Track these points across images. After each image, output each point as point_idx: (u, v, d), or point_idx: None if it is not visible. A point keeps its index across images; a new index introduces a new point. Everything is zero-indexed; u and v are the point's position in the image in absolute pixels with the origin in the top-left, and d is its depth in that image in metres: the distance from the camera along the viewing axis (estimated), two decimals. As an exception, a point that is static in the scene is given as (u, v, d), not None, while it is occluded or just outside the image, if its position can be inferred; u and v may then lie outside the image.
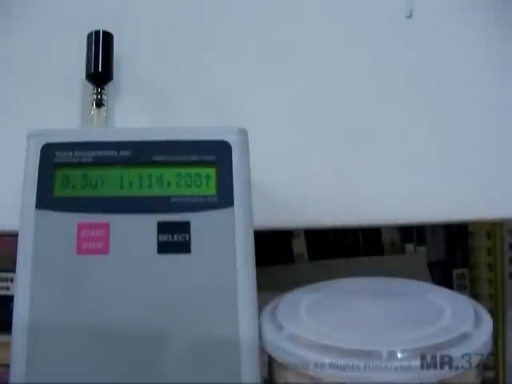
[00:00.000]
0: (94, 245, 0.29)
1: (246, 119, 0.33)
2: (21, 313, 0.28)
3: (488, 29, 0.40)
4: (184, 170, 0.30)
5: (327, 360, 0.27)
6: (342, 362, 0.27)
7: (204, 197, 0.30)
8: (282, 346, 0.29)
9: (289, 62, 0.39)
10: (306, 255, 0.50)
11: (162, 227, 0.29)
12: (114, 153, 0.30)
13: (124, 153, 0.30)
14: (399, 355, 0.27)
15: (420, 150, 0.38)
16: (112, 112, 0.37)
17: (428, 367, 0.27)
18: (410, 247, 0.51)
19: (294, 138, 0.37)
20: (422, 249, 0.51)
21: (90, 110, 0.36)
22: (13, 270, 0.29)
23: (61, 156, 0.30)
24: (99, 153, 0.30)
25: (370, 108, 0.38)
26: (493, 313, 0.49)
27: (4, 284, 0.46)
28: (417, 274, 0.46)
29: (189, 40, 0.39)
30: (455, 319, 0.30)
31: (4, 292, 0.46)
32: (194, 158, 0.30)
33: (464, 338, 0.28)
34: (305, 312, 0.32)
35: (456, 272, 0.52)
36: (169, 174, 0.30)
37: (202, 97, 0.38)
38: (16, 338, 0.28)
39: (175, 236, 0.29)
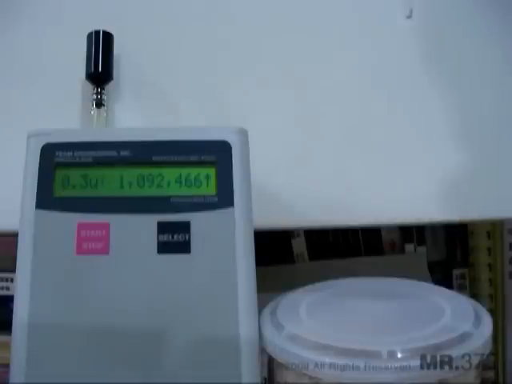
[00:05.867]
0: (93, 245, 0.29)
1: (246, 119, 0.33)
2: (21, 313, 0.28)
3: (489, 28, 0.40)
4: (184, 170, 0.30)
5: (327, 360, 0.27)
6: (341, 361, 0.27)
7: (204, 197, 0.30)
8: (282, 346, 0.29)
9: (289, 62, 0.39)
10: (306, 255, 0.50)
11: (162, 227, 0.29)
12: (114, 153, 0.30)
13: (124, 153, 0.30)
14: (399, 355, 0.27)
15: (420, 150, 0.38)
16: (112, 112, 0.37)
17: (428, 367, 0.27)
18: (410, 247, 0.51)
19: (294, 138, 0.37)
20: (422, 249, 0.51)
21: (90, 110, 0.36)
22: (13, 270, 0.29)
23: (61, 156, 0.30)
24: (99, 153, 0.30)
25: (369, 108, 0.38)
26: (493, 313, 0.49)
27: (4, 284, 0.46)
28: (417, 274, 0.46)
29: (189, 40, 0.39)
30: (455, 319, 0.30)
31: (4, 292, 0.46)
32: (193, 158, 0.30)
33: (464, 337, 0.28)
34: (305, 312, 0.32)
35: (456, 272, 0.52)
36: (169, 173, 0.30)
37: (202, 97, 0.38)
38: (16, 338, 0.28)
39: (175, 236, 0.29)
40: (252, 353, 0.28)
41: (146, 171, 0.30)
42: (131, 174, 0.30)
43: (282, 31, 0.39)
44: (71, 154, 0.30)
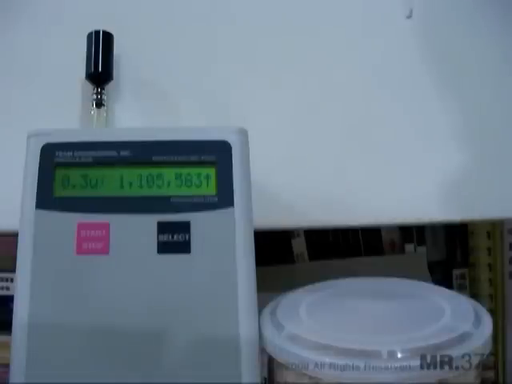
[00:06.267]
0: (93, 245, 0.29)
1: (246, 119, 0.33)
2: (21, 313, 0.28)
3: (489, 28, 0.40)
4: (184, 170, 0.30)
5: (327, 360, 0.27)
6: (341, 361, 0.27)
7: (204, 197, 0.30)
8: (282, 346, 0.29)
9: (289, 62, 0.39)
10: (306, 255, 0.50)
11: (162, 227, 0.29)
12: (114, 153, 0.30)
13: (124, 153, 0.30)
14: (399, 355, 0.27)
15: (420, 150, 0.38)
16: (112, 112, 0.37)
17: (428, 367, 0.27)
18: (410, 247, 0.51)
19: (294, 138, 0.37)
20: (422, 249, 0.51)
21: (90, 110, 0.36)
22: (13, 270, 0.29)
23: (61, 156, 0.30)
24: (99, 153, 0.30)
25: (369, 108, 0.38)
26: (493, 313, 0.49)
27: (4, 284, 0.46)
28: (417, 274, 0.46)
29: (189, 40, 0.39)
30: (455, 319, 0.30)
31: (4, 292, 0.46)
32: (193, 158, 0.30)
33: (464, 337, 0.28)
34: (305, 312, 0.32)
35: (456, 272, 0.52)
36: (169, 173, 0.30)
37: (202, 97, 0.38)
38: (16, 338, 0.28)
39: (175, 236, 0.29)
40: (252, 353, 0.28)
41: (146, 171, 0.30)
42: (131, 173, 0.30)
43: (282, 31, 0.39)
44: (71, 154, 0.30)
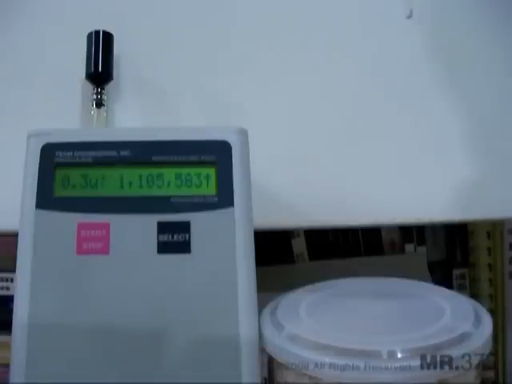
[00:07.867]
0: (93, 245, 0.29)
1: (246, 119, 0.33)
2: (21, 313, 0.28)
3: (489, 28, 0.40)
4: (184, 170, 0.30)
5: (327, 360, 0.27)
6: (341, 361, 0.27)
7: (204, 197, 0.30)
8: (282, 346, 0.29)
9: (289, 62, 0.39)
10: (306, 255, 0.50)
11: (162, 227, 0.29)
12: (114, 153, 0.30)
13: (124, 153, 0.30)
14: (399, 355, 0.27)
15: (420, 150, 0.38)
16: (112, 112, 0.37)
17: (428, 367, 0.27)
18: (410, 247, 0.51)
19: (295, 138, 0.37)
20: (422, 249, 0.51)
21: (90, 110, 0.36)
22: (13, 270, 0.29)
23: (61, 156, 0.30)
24: (99, 153, 0.30)
25: (369, 108, 0.38)
26: (493, 313, 0.49)
27: (4, 284, 0.46)
28: (417, 274, 0.46)
29: (189, 40, 0.39)
30: (455, 319, 0.30)
31: (4, 292, 0.46)
32: (193, 158, 0.30)
33: (464, 338, 0.28)
34: (305, 312, 0.32)
35: (456, 272, 0.52)
36: (169, 173, 0.30)
37: (202, 97, 0.38)
38: (16, 338, 0.28)
39: (175, 236, 0.29)
40: (252, 353, 0.28)
41: (146, 171, 0.30)
42: (131, 174, 0.30)
43: (282, 31, 0.39)
44: (71, 154, 0.30)
